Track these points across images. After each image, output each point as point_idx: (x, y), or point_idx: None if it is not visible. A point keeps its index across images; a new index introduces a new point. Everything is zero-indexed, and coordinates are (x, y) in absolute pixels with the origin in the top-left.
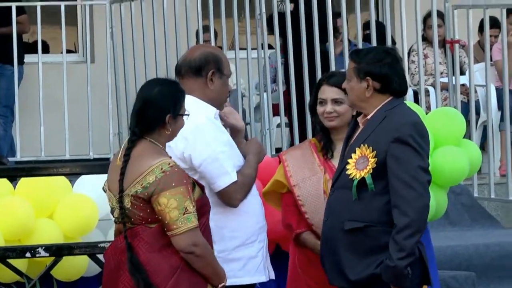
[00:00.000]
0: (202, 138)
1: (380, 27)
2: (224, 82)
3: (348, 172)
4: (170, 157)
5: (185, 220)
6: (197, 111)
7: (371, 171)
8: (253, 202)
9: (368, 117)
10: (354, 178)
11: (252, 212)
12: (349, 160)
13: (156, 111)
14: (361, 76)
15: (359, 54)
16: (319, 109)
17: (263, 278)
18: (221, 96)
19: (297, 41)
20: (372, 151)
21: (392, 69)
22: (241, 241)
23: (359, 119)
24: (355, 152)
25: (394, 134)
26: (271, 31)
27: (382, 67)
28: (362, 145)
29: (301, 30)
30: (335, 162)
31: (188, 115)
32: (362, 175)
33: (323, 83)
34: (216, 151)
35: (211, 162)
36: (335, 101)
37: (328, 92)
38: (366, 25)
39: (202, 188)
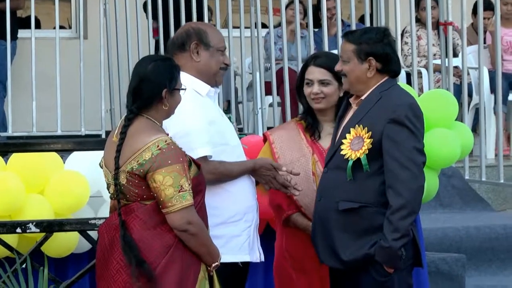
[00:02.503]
0: (180, 111)
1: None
2: (211, 53)
3: (342, 152)
4: (167, 134)
5: (180, 198)
6: (188, 87)
7: (367, 151)
8: (239, 181)
9: (363, 97)
10: (349, 159)
11: (237, 191)
12: (343, 141)
13: (152, 87)
14: (362, 57)
15: (355, 35)
16: (306, 90)
17: (246, 258)
18: (210, 67)
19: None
20: (368, 132)
21: (392, 49)
22: (222, 219)
23: (352, 99)
24: (349, 133)
25: (390, 115)
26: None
27: (384, 47)
28: (357, 125)
29: (169, 15)
30: (323, 143)
31: (185, 89)
32: (358, 155)
33: (309, 64)
34: (189, 126)
35: (182, 136)
36: (322, 82)
37: (315, 73)
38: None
39: (198, 166)
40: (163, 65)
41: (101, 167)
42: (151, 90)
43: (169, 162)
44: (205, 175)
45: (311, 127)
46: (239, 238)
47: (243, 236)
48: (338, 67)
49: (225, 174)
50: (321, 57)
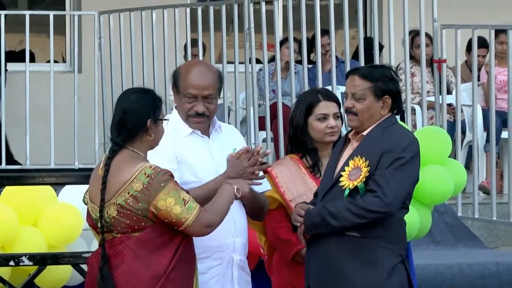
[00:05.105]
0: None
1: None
2: (180, 98)
3: (341, 184)
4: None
5: (188, 210)
6: (171, 124)
7: (364, 179)
8: None
9: (364, 133)
10: (346, 188)
11: None
12: (342, 173)
13: (136, 118)
14: (378, 95)
15: (368, 72)
16: (320, 125)
17: None
18: (182, 113)
19: None
20: (365, 161)
21: (400, 87)
22: None
23: (351, 135)
24: (348, 165)
25: (388, 146)
26: None
27: (397, 85)
28: (355, 157)
29: None
30: None
31: (168, 120)
32: (355, 184)
33: (319, 99)
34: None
35: None
36: (336, 116)
37: (329, 107)
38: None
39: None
40: (146, 96)
41: (85, 203)
42: (135, 121)
43: (162, 185)
44: None
45: (315, 165)
46: (204, 276)
47: (208, 274)
48: (349, 104)
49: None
50: (327, 91)
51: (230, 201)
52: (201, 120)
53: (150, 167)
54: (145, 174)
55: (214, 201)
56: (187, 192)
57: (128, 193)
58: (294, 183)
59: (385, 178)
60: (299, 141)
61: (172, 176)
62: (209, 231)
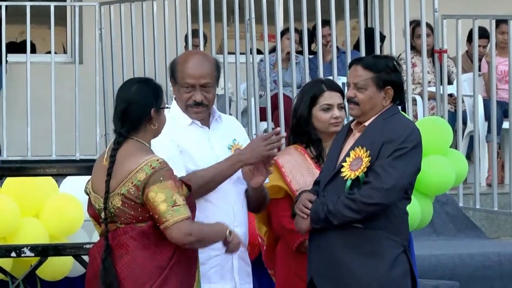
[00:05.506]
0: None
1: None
2: (178, 89)
3: (343, 174)
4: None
5: (174, 213)
6: (171, 115)
7: (365, 169)
8: (208, 210)
9: (366, 124)
10: (348, 179)
11: (205, 219)
12: (343, 164)
13: (140, 108)
14: (380, 85)
15: (371, 62)
16: (324, 115)
17: (209, 287)
18: (181, 103)
19: None
20: (366, 151)
21: (402, 78)
22: None
23: (353, 125)
24: (349, 156)
25: (389, 136)
26: None
27: (399, 76)
28: (356, 147)
29: None
30: None
31: (169, 107)
32: (357, 174)
33: (323, 90)
34: (163, 154)
35: None
36: (340, 106)
37: (334, 97)
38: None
39: (189, 187)
40: (146, 85)
41: (87, 193)
42: (139, 111)
43: (161, 179)
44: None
45: (320, 155)
46: (203, 266)
47: (208, 264)
48: (351, 94)
49: (205, 182)
50: (331, 82)
51: (218, 236)
52: (200, 110)
53: (157, 160)
54: (150, 166)
55: (206, 224)
56: (185, 198)
57: (132, 183)
58: (300, 173)
59: (384, 168)
60: (302, 132)
61: (177, 179)
62: (190, 240)
